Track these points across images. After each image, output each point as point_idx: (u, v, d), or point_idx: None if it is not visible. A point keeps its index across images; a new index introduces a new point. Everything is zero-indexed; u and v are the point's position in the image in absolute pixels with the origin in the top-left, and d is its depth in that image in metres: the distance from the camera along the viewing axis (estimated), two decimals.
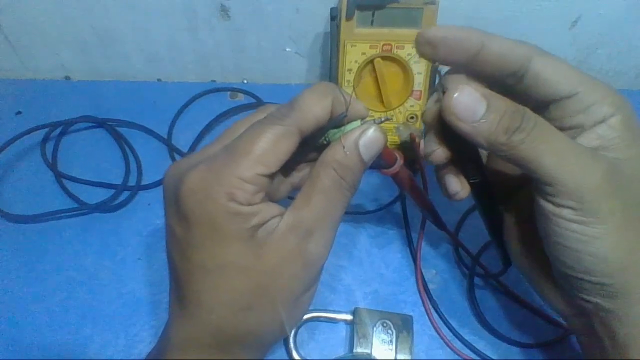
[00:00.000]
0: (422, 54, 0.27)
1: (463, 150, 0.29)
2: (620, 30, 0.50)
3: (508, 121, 0.24)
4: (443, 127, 0.26)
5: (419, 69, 0.43)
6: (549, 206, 0.25)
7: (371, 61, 0.43)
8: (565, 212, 0.25)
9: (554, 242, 0.26)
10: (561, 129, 0.26)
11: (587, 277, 0.26)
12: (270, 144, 0.24)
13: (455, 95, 0.25)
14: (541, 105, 0.27)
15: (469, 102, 0.24)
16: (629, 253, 0.25)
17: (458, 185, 0.30)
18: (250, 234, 0.25)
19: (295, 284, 0.27)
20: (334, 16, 0.43)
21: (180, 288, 0.27)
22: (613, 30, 0.50)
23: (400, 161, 0.30)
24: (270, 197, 0.27)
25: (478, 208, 0.33)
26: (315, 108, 0.25)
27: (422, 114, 0.28)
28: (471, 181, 0.30)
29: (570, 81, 0.26)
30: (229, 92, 0.54)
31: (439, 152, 0.28)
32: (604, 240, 0.24)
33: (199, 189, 0.24)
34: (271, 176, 0.25)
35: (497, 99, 0.25)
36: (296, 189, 0.30)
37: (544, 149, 0.24)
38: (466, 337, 0.38)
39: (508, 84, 0.27)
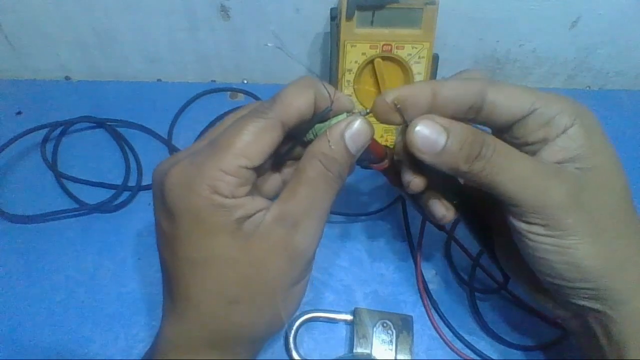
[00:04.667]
0: (383, 122, 0.27)
1: (437, 176, 0.29)
2: (620, 30, 0.50)
3: (468, 150, 0.25)
4: (413, 158, 0.27)
5: (419, 69, 0.43)
6: (520, 224, 0.26)
7: (371, 61, 0.43)
8: (535, 229, 0.26)
9: (529, 254, 0.27)
10: (526, 144, 0.27)
11: (565, 284, 0.27)
12: (252, 137, 0.25)
13: (416, 128, 0.26)
14: (505, 127, 0.27)
15: (430, 135, 0.25)
16: (605, 259, 0.26)
17: (443, 209, 0.30)
18: (236, 227, 0.25)
19: (283, 276, 0.27)
20: (334, 16, 0.43)
21: (170, 284, 0.27)
22: (613, 30, 0.50)
23: (390, 155, 0.30)
24: (261, 194, 0.27)
25: (466, 226, 0.34)
26: (297, 101, 0.26)
27: (393, 147, 0.29)
28: (454, 202, 0.30)
29: (526, 100, 0.26)
30: (229, 92, 0.54)
31: (416, 182, 0.29)
32: (575, 250, 0.25)
33: (182, 183, 0.25)
34: (255, 169, 0.25)
35: (458, 129, 0.26)
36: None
37: (505, 174, 0.25)
38: (466, 337, 0.38)
39: (469, 117, 0.27)
